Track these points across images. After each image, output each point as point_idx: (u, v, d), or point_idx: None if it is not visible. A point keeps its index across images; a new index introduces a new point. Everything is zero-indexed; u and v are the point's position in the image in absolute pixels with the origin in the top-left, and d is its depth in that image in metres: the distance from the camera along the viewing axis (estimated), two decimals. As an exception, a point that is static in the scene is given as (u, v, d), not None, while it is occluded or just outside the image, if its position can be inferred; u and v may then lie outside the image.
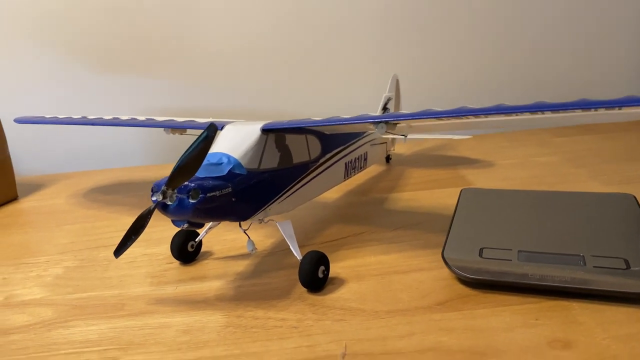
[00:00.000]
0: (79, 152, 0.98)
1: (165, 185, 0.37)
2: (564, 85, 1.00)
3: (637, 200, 0.53)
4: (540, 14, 0.98)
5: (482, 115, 0.40)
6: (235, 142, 0.45)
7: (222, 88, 0.97)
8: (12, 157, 0.78)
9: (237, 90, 0.98)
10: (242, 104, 0.98)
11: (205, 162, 0.41)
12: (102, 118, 0.65)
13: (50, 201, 0.76)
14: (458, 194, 0.59)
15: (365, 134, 0.63)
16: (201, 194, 0.38)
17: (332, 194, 0.68)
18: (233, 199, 0.41)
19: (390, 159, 0.83)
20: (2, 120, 0.75)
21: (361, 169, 0.64)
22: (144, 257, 0.53)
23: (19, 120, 0.71)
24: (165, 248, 0.52)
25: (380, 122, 0.43)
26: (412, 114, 0.41)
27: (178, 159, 0.37)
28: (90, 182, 0.84)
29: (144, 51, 0.94)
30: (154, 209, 0.38)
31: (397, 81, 0.79)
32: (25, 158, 0.93)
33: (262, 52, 0.96)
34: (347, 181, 0.61)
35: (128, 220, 0.39)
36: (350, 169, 0.60)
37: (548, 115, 0.40)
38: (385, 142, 0.75)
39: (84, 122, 0.65)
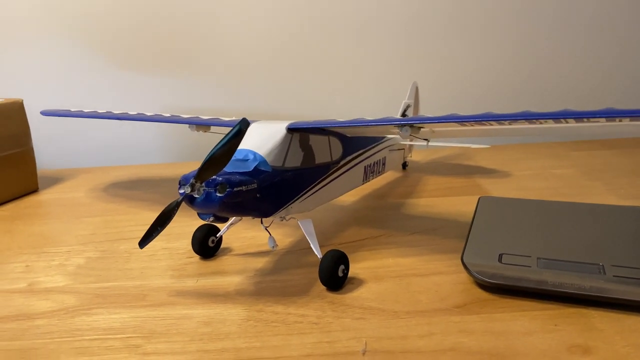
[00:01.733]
0: (100, 148, 1.00)
1: (194, 178, 0.38)
2: (588, 95, 1.01)
3: (656, 214, 0.53)
4: (565, 23, 0.99)
5: (507, 122, 0.41)
6: (261, 140, 0.45)
7: (243, 90, 0.99)
8: (34, 149, 0.79)
9: (259, 93, 0.99)
10: (262, 106, 0.99)
11: (232, 157, 0.42)
12: (127, 113, 0.66)
13: (70, 194, 0.77)
14: (474, 202, 0.59)
15: (384, 139, 0.64)
16: (228, 188, 0.39)
17: (350, 197, 0.68)
18: (258, 195, 0.41)
19: (407, 165, 0.83)
20: (27, 113, 0.76)
21: (379, 173, 0.65)
22: (164, 251, 0.53)
23: (46, 113, 0.72)
24: (186, 243, 0.53)
25: (405, 124, 0.44)
26: (437, 118, 0.42)
27: (207, 152, 0.37)
28: (109, 177, 0.85)
29: (170, 52, 0.96)
30: (181, 201, 0.39)
31: (417, 89, 0.80)
32: (47, 151, 0.95)
33: (285, 56, 0.97)
34: (364, 185, 0.61)
35: (148, 215, 0.40)
36: (369, 173, 0.61)
37: (571, 124, 0.41)
38: (403, 149, 0.76)
39: (109, 116, 0.66)
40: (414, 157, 0.87)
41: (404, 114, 0.77)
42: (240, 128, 0.37)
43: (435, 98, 0.90)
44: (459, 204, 0.65)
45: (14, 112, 0.75)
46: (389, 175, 0.78)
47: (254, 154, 0.44)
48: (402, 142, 0.72)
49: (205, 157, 0.37)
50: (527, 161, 0.86)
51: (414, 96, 0.80)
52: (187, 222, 0.52)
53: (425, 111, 0.84)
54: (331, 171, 0.52)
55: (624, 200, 0.64)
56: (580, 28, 0.99)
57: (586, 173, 0.78)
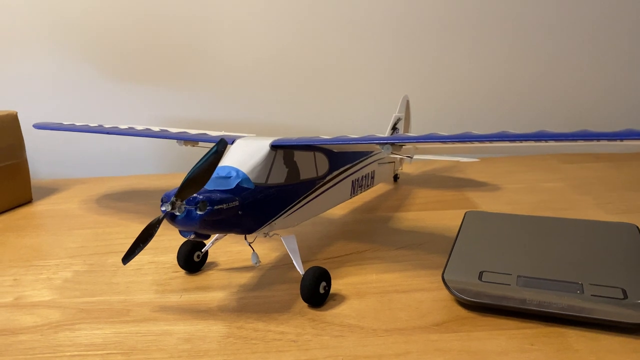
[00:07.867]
0: (94, 158, 1.00)
1: (175, 197, 0.39)
2: (579, 109, 1.01)
3: (639, 230, 0.53)
4: (557, 37, 0.99)
5: (486, 142, 0.41)
6: (244, 157, 0.46)
7: (234, 102, 0.99)
8: (28, 161, 0.80)
9: (249, 104, 0.99)
10: (253, 117, 1.00)
11: (214, 175, 0.42)
12: (117, 127, 0.67)
13: (63, 205, 0.78)
14: (462, 216, 0.59)
15: (373, 153, 0.64)
16: (209, 206, 0.39)
17: (339, 211, 0.69)
18: (240, 212, 0.42)
19: (398, 178, 0.84)
20: (21, 125, 0.77)
21: (368, 187, 0.65)
22: (151, 265, 0.54)
23: (38, 126, 0.73)
24: (172, 257, 0.53)
25: (386, 143, 0.44)
26: (416, 137, 0.42)
27: (188, 171, 0.38)
28: (103, 188, 0.86)
29: (162, 62, 0.97)
30: (162, 219, 0.40)
31: (408, 102, 0.81)
32: (41, 162, 0.95)
33: (275, 69, 0.98)
34: (353, 199, 0.62)
35: (138, 228, 0.40)
36: (357, 187, 0.61)
37: (552, 143, 0.41)
38: (393, 162, 0.76)
39: (100, 130, 0.67)
40: (405, 169, 0.87)
41: (394, 127, 0.77)
42: (218, 149, 0.37)
43: (427, 111, 0.90)
44: (447, 218, 0.66)
45: (8, 124, 0.75)
46: (380, 188, 0.79)
47: (237, 171, 0.44)
48: (392, 156, 0.73)
49: (185, 175, 0.38)
50: (518, 174, 0.86)
51: (405, 109, 0.80)
52: (174, 236, 0.52)
53: (417, 124, 0.84)
54: (317, 186, 0.52)
55: (612, 215, 0.64)
56: (583, 36, 0.99)
57: (576, 187, 0.78)
